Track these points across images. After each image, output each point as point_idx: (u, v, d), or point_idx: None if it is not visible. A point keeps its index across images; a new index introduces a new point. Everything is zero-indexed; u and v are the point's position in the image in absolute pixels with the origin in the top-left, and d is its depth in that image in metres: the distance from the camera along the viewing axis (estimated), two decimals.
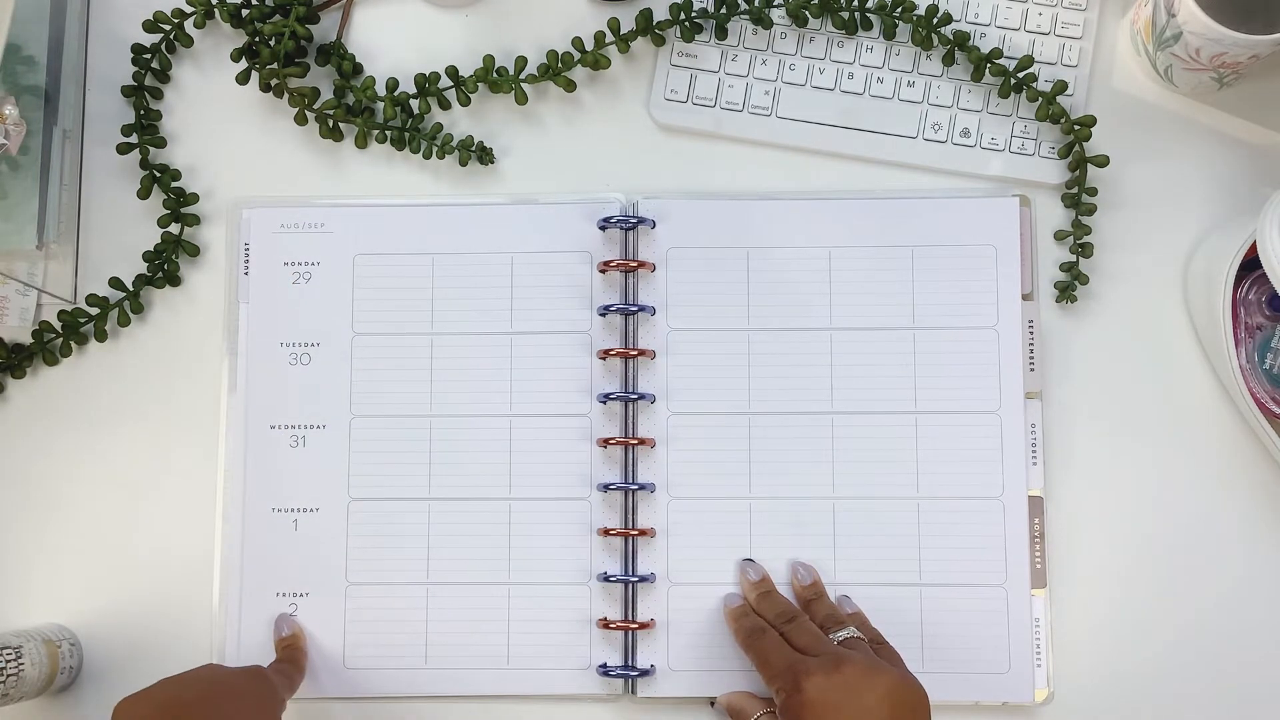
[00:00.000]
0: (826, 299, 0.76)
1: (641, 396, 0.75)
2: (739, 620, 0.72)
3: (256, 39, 0.78)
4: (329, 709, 0.75)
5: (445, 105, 0.79)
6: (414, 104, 0.79)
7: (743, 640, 0.70)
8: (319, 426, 0.76)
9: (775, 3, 0.77)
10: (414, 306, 0.77)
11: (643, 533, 0.74)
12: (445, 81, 0.79)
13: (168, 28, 0.79)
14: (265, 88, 0.78)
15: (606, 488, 0.75)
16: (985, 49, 0.76)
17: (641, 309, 0.76)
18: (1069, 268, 0.76)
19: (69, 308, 0.79)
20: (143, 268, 0.79)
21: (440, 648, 0.75)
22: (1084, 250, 0.76)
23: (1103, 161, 0.76)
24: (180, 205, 0.79)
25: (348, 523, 0.75)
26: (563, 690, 0.74)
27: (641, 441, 0.75)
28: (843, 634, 0.68)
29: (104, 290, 0.79)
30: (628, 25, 0.78)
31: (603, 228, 0.77)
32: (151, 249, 0.79)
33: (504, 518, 0.75)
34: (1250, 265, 0.71)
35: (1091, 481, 0.75)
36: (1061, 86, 0.76)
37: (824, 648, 0.66)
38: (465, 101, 0.79)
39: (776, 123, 0.78)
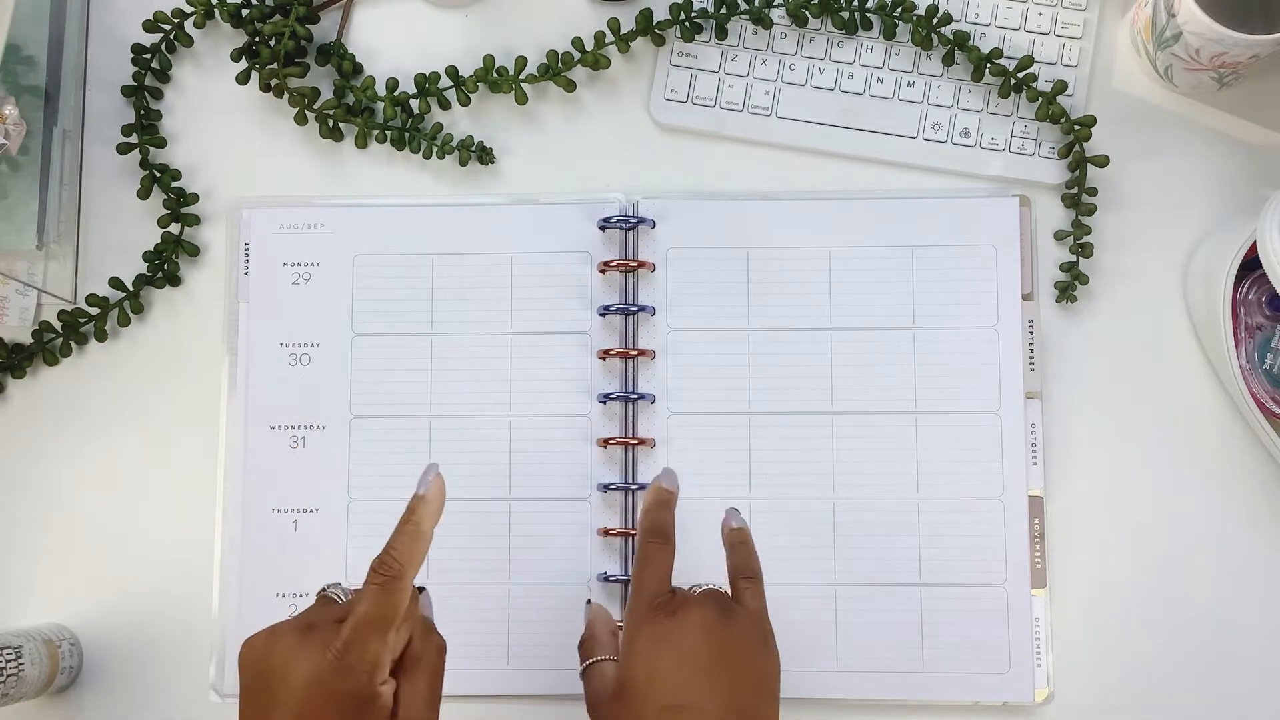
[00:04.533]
0: (826, 299, 0.76)
1: (641, 396, 0.75)
2: (658, 511, 0.62)
3: (256, 39, 0.78)
4: None
5: (445, 105, 0.79)
6: (414, 104, 0.79)
7: (647, 530, 0.61)
8: (319, 427, 0.76)
9: (775, 3, 0.77)
10: (414, 307, 0.77)
11: None
12: (445, 81, 0.79)
13: (168, 28, 0.79)
14: (265, 88, 0.78)
15: (606, 488, 0.75)
16: (985, 49, 0.76)
17: (641, 309, 0.76)
18: (1069, 268, 0.76)
19: (69, 308, 0.79)
20: (143, 268, 0.79)
21: None
22: (1084, 250, 0.76)
23: (1103, 161, 0.76)
24: (180, 205, 0.79)
25: (348, 523, 0.75)
26: (563, 690, 0.74)
27: (641, 442, 0.75)
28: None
29: (104, 290, 0.79)
30: (628, 25, 0.78)
31: (603, 228, 0.77)
32: (151, 249, 0.79)
33: (504, 518, 0.75)
34: (1250, 265, 0.71)
35: (1091, 481, 0.75)
36: (1061, 86, 0.76)
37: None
38: (465, 101, 0.78)
39: (776, 123, 0.78)
